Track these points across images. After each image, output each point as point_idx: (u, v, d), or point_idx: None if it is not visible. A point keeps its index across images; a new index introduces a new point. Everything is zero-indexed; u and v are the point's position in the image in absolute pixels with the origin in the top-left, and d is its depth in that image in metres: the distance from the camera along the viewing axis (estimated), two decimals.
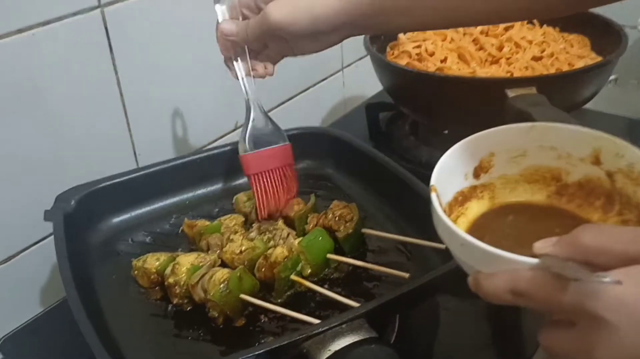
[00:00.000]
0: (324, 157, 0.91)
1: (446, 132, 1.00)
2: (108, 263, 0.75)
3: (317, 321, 0.60)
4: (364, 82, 1.25)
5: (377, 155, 0.82)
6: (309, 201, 0.78)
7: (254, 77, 0.73)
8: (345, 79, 1.28)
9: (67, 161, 0.79)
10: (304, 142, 0.88)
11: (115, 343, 0.63)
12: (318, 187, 0.87)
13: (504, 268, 0.39)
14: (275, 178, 0.77)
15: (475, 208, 0.54)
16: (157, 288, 0.70)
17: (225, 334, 0.65)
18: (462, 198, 0.53)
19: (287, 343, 0.54)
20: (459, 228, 0.43)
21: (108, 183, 0.79)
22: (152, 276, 0.70)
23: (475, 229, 0.52)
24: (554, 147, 0.52)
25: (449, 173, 0.50)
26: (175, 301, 0.67)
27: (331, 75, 1.24)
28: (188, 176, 0.85)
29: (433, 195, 0.46)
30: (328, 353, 0.54)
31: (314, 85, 1.20)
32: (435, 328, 0.69)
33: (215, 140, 1.00)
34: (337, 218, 0.73)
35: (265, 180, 0.76)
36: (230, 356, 0.55)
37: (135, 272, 0.71)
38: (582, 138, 0.51)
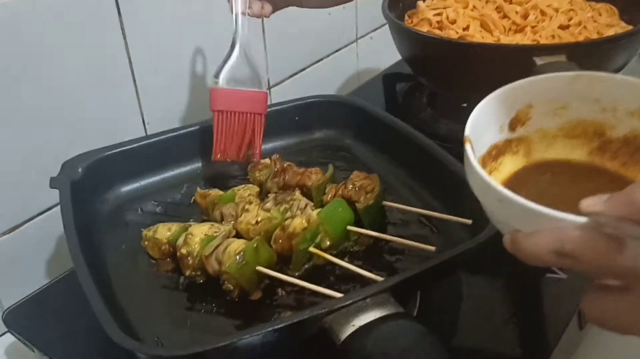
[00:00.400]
0: (343, 127, 0.87)
1: (465, 104, 0.97)
2: (117, 233, 0.73)
3: (338, 294, 0.56)
4: (378, 53, 1.21)
5: (399, 124, 0.79)
6: (326, 171, 0.75)
7: (249, 15, 0.72)
8: (359, 50, 1.25)
9: (73, 128, 0.77)
10: (323, 110, 0.85)
11: (125, 316, 0.61)
12: (336, 158, 0.84)
13: (546, 227, 0.36)
14: (241, 123, 0.75)
15: (510, 164, 0.50)
16: (168, 259, 0.68)
17: (241, 307, 0.62)
18: (496, 152, 0.49)
19: (308, 317, 0.51)
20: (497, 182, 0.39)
21: (117, 150, 0.76)
22: (164, 247, 0.67)
23: (510, 187, 0.48)
24: (598, 99, 0.48)
25: (484, 124, 0.46)
26: (187, 273, 0.65)
27: (345, 46, 1.21)
28: (200, 145, 0.82)
29: (467, 147, 0.42)
30: (352, 329, 0.50)
31: (327, 56, 1.17)
32: (458, 303, 0.67)
33: None
34: (357, 189, 0.69)
35: (229, 120, 0.75)
36: (247, 331, 0.51)
37: (146, 243, 0.68)
38: (632, 89, 0.47)
